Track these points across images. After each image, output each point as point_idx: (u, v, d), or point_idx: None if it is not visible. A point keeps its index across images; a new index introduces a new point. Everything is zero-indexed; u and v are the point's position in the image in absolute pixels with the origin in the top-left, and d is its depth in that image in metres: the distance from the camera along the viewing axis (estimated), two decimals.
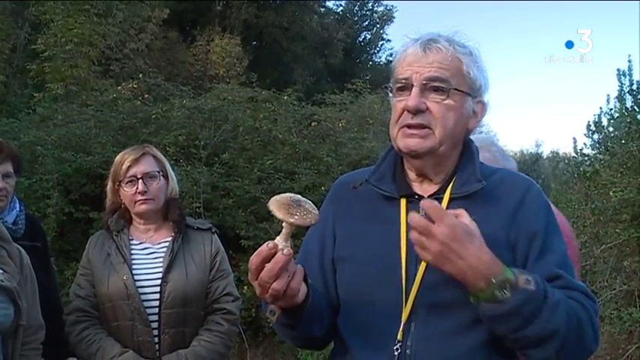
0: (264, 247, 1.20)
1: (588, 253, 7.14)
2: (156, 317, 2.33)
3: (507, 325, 1.24)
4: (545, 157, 26.55)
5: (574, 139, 9.22)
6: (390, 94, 1.46)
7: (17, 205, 2.63)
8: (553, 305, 1.25)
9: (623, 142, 7.45)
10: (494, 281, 1.20)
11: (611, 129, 8.68)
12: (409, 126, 1.39)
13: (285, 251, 1.19)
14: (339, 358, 1.47)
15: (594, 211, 6.95)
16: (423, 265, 1.35)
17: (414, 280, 1.36)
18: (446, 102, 1.37)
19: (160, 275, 2.36)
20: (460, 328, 1.33)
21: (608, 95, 8.70)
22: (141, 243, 2.45)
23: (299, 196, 1.25)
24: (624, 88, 8.32)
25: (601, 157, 8.09)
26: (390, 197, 1.45)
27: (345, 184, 1.57)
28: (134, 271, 2.36)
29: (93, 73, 9.47)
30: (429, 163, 1.41)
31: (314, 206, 1.25)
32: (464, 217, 1.25)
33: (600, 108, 8.90)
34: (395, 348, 1.34)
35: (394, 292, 1.37)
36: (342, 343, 1.46)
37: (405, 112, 1.39)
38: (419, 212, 1.28)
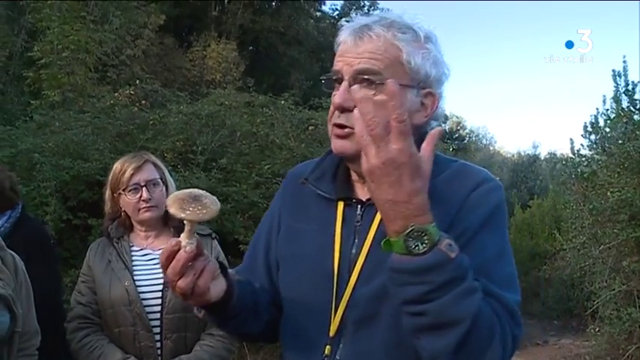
0: (168, 245, 1.15)
1: (587, 254, 7.17)
2: (158, 323, 2.34)
3: (408, 289, 1.06)
4: (542, 158, 26.56)
5: (571, 140, 9.25)
6: None
7: None
8: (468, 290, 1.06)
9: (620, 142, 7.47)
10: (410, 227, 1.03)
11: (607, 130, 8.69)
12: (337, 125, 1.25)
13: (187, 249, 1.13)
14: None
15: (592, 211, 6.97)
16: (354, 277, 1.25)
17: (344, 292, 1.25)
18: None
19: (162, 281, 2.36)
20: (389, 346, 1.21)
21: (604, 96, 8.72)
22: (142, 249, 2.46)
23: (201, 192, 1.17)
24: (620, 89, 8.35)
25: (598, 157, 8.11)
26: (328, 198, 1.33)
27: (295, 177, 1.44)
28: (135, 277, 2.37)
29: (89, 79, 9.45)
30: None
31: (216, 201, 1.17)
32: (427, 155, 1.07)
33: (597, 109, 8.92)
34: None
35: (324, 303, 1.27)
36: (282, 345, 1.41)
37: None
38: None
